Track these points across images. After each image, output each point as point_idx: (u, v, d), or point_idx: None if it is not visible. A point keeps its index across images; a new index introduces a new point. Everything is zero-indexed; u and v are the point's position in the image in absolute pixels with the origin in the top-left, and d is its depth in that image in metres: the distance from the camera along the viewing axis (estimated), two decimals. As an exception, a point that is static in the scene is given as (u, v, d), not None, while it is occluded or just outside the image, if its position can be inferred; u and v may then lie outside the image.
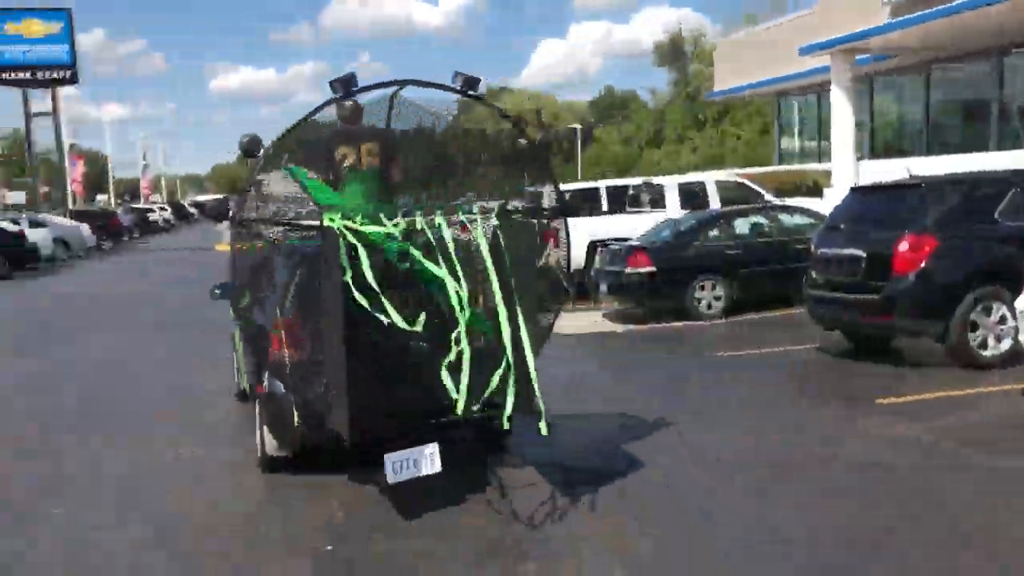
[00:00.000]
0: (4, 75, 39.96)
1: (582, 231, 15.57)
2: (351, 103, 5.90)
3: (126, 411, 8.75)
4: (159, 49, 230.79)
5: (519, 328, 5.18)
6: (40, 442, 7.72)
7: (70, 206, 69.03)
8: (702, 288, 12.92)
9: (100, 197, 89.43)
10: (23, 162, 48.75)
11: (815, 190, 18.19)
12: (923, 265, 8.48)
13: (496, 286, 5.19)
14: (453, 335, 5.01)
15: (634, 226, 15.26)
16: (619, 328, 13.00)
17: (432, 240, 5.17)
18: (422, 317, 5.03)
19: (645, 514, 5.40)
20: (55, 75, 40.27)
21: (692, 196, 16.68)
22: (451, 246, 5.15)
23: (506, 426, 5.20)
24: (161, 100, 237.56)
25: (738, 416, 7.64)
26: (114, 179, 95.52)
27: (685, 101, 59.98)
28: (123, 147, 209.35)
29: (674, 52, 63.65)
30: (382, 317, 4.91)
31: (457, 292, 5.02)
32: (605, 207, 19.25)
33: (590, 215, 17.35)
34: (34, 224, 31.93)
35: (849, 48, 18.54)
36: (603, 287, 13.52)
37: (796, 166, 23.51)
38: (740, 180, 18.01)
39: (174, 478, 6.55)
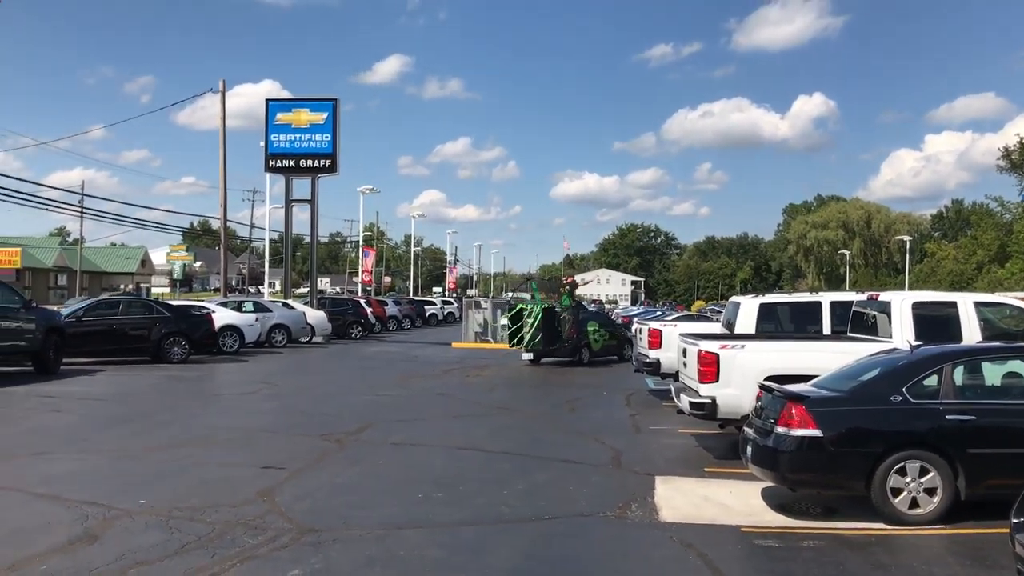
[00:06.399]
0: (272, 162, 41.24)
1: (752, 359, 10.98)
2: (572, 280, 31.21)
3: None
4: (513, 157, 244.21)
5: (537, 330, 25.87)
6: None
7: (358, 293, 72.70)
8: (901, 472, 7.94)
9: (386, 280, 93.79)
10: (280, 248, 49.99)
11: None
12: None
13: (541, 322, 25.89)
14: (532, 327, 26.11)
15: (840, 358, 10.39)
16: (760, 524, 8.18)
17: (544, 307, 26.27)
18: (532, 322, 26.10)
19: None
20: (316, 164, 40.94)
21: (934, 322, 11.49)
22: (536, 309, 26.03)
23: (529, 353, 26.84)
24: (510, 203, 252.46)
25: None
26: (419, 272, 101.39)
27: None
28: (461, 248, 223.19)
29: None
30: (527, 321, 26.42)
31: (534, 317, 25.96)
32: (827, 328, 14.47)
33: (790, 339, 12.69)
34: (259, 308, 31.63)
35: None
36: (748, 450, 8.79)
37: None
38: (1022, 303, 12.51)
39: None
